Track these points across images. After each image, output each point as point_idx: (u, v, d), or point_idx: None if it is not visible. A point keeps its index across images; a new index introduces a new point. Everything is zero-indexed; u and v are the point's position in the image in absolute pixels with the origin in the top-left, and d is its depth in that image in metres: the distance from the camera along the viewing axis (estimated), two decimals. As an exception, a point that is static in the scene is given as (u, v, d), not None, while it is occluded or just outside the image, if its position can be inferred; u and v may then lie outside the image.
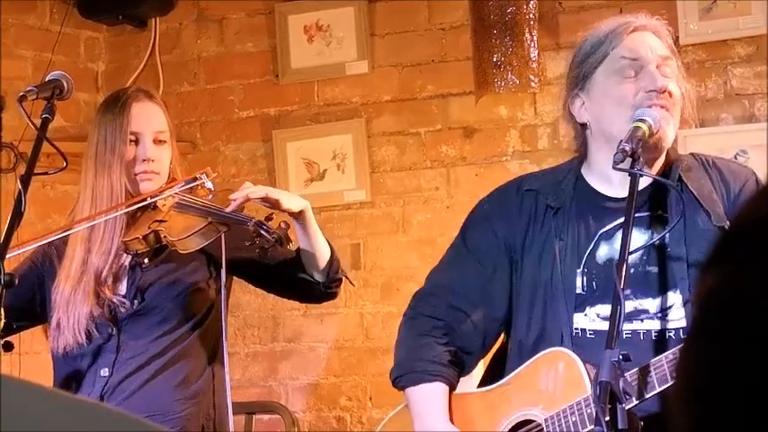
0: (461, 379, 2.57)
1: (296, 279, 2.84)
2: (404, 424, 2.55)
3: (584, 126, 2.47)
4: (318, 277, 2.83)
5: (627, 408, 2.01)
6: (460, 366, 2.54)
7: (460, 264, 2.58)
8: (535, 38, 4.03)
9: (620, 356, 2.05)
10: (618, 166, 2.23)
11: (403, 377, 2.52)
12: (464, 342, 2.53)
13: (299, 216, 2.73)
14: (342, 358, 4.34)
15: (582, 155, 2.52)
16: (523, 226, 2.50)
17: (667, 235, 2.34)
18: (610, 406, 1.99)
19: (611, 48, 2.38)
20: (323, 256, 2.81)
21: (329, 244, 2.85)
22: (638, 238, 2.34)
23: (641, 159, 2.25)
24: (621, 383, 2.01)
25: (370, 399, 4.28)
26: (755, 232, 0.72)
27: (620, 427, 1.99)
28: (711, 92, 3.91)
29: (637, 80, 2.35)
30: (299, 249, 2.82)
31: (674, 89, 2.37)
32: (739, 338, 0.70)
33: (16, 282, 2.44)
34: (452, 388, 2.50)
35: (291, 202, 2.72)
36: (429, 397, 2.48)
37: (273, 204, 2.69)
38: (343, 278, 2.90)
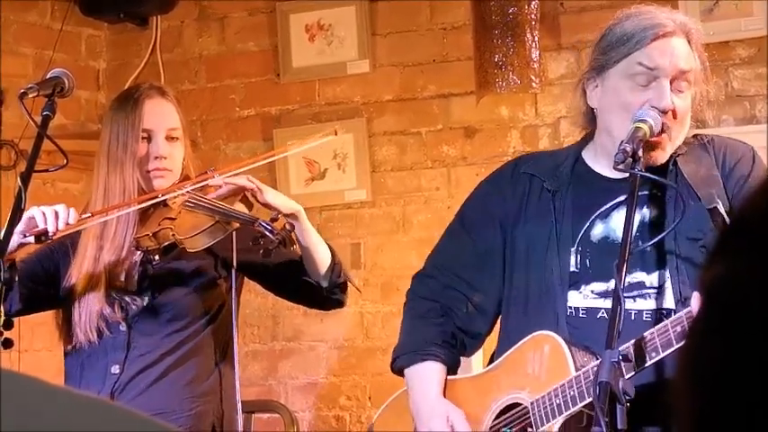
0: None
1: (299, 282, 2.84)
2: (402, 408, 2.57)
3: (593, 110, 2.47)
4: (322, 282, 2.83)
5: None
6: (460, 346, 2.56)
7: (457, 244, 2.61)
8: (536, 38, 4.03)
9: (620, 357, 2.06)
10: (618, 167, 2.25)
11: (398, 358, 2.57)
12: (464, 323, 2.55)
13: (290, 218, 2.72)
14: (341, 358, 4.34)
15: (586, 137, 2.53)
16: (516, 206, 2.52)
17: (663, 215, 2.36)
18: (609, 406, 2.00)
19: (634, 49, 2.35)
20: (323, 260, 2.81)
21: (331, 248, 2.85)
22: (635, 216, 2.35)
23: (641, 159, 2.26)
24: (621, 383, 2.02)
25: (370, 398, 4.27)
26: (757, 226, 0.72)
27: (619, 427, 2.00)
28: (712, 93, 3.91)
29: (646, 90, 2.34)
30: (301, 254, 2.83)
31: (681, 107, 2.36)
32: (741, 331, 0.70)
33: (16, 279, 2.45)
34: (447, 367, 2.52)
35: (276, 198, 2.73)
36: (423, 375, 2.51)
37: (255, 195, 2.70)
38: (349, 284, 2.91)
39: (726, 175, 2.38)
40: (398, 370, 2.58)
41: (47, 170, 2.89)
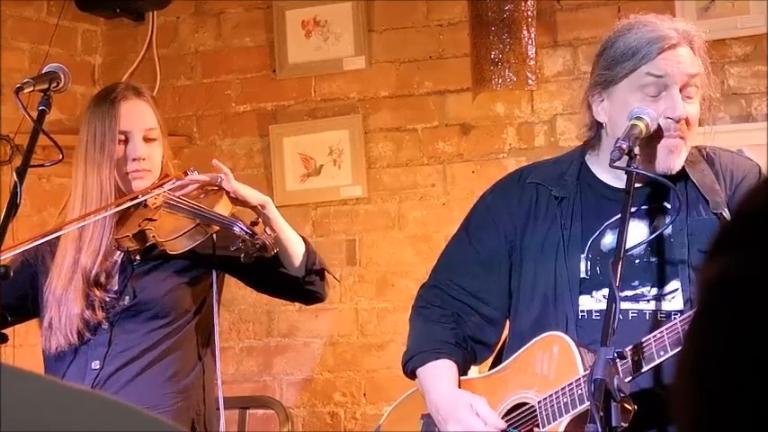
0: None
1: (276, 274, 2.83)
2: (407, 412, 2.57)
3: (600, 123, 2.46)
4: (298, 272, 2.82)
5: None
6: (471, 354, 2.56)
7: (462, 256, 2.60)
8: (533, 35, 4.03)
9: (615, 354, 2.06)
10: (614, 164, 2.24)
11: (411, 360, 2.55)
12: (474, 333, 2.56)
13: (259, 209, 2.74)
14: (336, 354, 4.34)
15: (588, 145, 2.53)
16: (524, 216, 2.51)
17: (670, 226, 2.35)
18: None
19: (640, 63, 2.33)
20: (296, 250, 2.80)
21: (304, 239, 2.85)
22: (641, 229, 2.37)
23: (638, 157, 2.27)
24: (616, 381, 2.02)
25: (365, 395, 4.27)
26: (757, 223, 0.72)
27: (613, 424, 2.00)
28: (717, 96, 3.92)
29: (658, 101, 2.33)
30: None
31: (693, 113, 2.36)
32: (741, 328, 0.70)
33: (11, 274, 2.44)
34: (460, 367, 2.52)
35: (243, 188, 2.74)
36: (437, 372, 2.51)
37: (221, 183, 2.72)
38: (327, 274, 2.89)
39: (731, 191, 2.39)
40: (411, 371, 2.57)
41: (42, 165, 2.88)
